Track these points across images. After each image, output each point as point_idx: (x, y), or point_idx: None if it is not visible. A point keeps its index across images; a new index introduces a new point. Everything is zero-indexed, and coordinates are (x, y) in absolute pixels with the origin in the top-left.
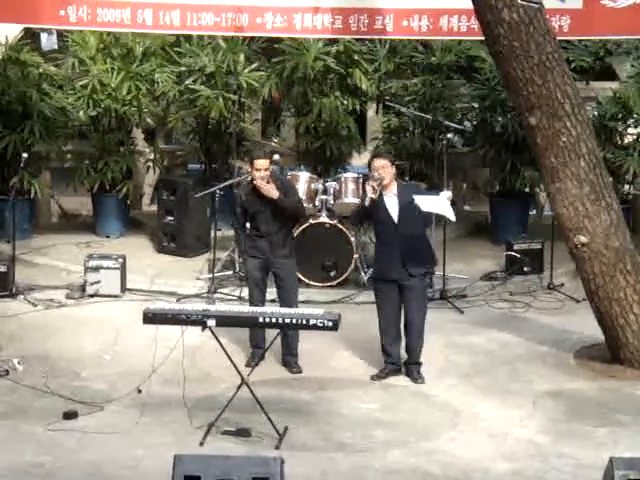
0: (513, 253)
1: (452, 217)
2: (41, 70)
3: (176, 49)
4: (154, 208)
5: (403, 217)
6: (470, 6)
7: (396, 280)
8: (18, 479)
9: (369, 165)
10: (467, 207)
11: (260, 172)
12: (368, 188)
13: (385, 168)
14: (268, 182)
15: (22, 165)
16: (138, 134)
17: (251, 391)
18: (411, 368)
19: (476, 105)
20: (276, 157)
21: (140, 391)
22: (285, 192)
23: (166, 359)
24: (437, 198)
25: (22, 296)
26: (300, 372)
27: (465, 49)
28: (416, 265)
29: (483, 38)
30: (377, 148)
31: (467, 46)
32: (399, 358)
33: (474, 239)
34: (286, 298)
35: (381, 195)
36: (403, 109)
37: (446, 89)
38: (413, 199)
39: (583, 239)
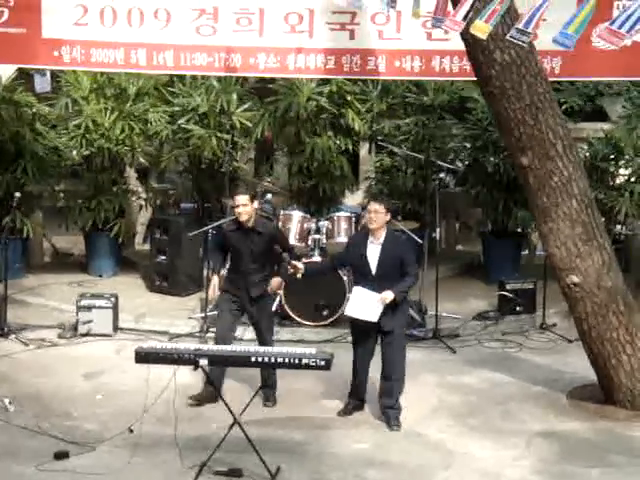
0: (506, 293)
1: (374, 319)
2: (34, 110)
3: (169, 89)
4: (147, 247)
5: (382, 269)
6: (462, 47)
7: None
8: None
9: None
10: (459, 247)
11: (239, 208)
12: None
13: (378, 214)
14: (249, 219)
15: (15, 204)
16: (131, 173)
17: (243, 431)
18: (388, 412)
19: (468, 145)
20: (269, 196)
21: (132, 431)
22: (277, 240)
23: (158, 399)
24: (371, 300)
25: (14, 335)
26: (273, 405)
27: (457, 89)
28: (391, 320)
29: (475, 79)
30: (370, 187)
31: (459, 86)
32: (365, 393)
33: (467, 278)
34: (261, 337)
35: (365, 240)
36: (395, 149)
37: (438, 129)
38: (397, 251)
39: (575, 279)
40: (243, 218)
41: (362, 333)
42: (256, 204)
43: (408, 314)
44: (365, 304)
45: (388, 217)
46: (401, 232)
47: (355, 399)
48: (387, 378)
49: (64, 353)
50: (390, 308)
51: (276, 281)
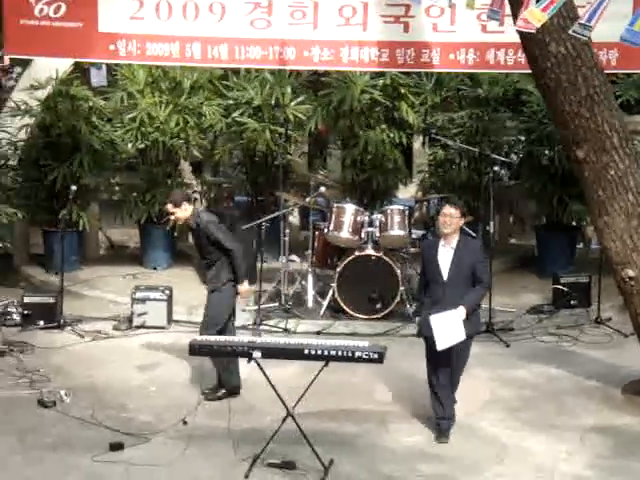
0: (560, 286)
1: (463, 337)
2: (90, 103)
3: (224, 82)
4: None
5: (453, 274)
6: (517, 40)
7: None
8: None
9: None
10: (513, 240)
11: (170, 217)
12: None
13: (452, 218)
14: (185, 221)
15: (71, 197)
16: (185, 166)
17: (296, 423)
18: (440, 423)
19: (523, 138)
20: (322, 190)
21: (186, 423)
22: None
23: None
24: (452, 320)
25: (70, 328)
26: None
27: (512, 82)
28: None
29: (530, 71)
30: (423, 180)
31: (514, 79)
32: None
33: (520, 272)
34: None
35: (437, 244)
36: (449, 142)
37: (493, 122)
38: (469, 258)
39: (631, 273)
40: (179, 223)
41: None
42: (186, 205)
43: (480, 321)
44: (447, 328)
45: (462, 221)
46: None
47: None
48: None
49: (119, 345)
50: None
51: (243, 291)
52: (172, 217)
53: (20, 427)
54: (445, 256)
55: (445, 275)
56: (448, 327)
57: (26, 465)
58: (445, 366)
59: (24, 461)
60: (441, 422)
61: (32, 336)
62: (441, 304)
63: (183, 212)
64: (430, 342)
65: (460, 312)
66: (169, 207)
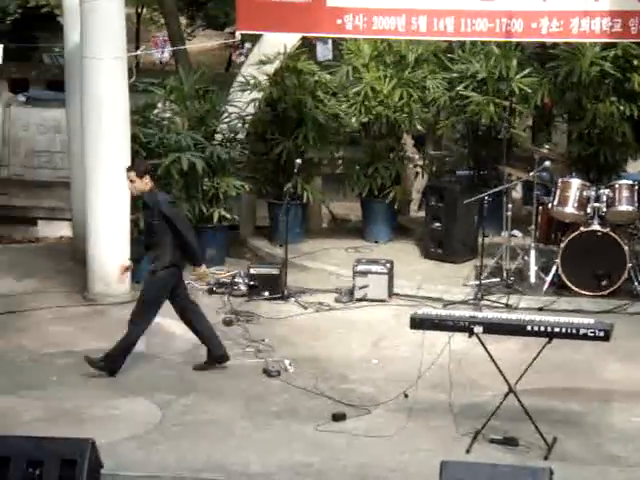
0: None
1: None
2: (316, 78)
3: (449, 55)
4: (422, 214)
5: None
6: None
7: None
8: (288, 478)
9: None
10: None
11: (128, 184)
12: None
13: None
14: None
15: (296, 171)
16: (408, 140)
17: (519, 400)
18: None
19: None
20: (547, 164)
21: (407, 396)
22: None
23: (432, 365)
24: None
25: (293, 299)
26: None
27: None
28: None
29: None
30: None
31: None
32: None
33: None
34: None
35: None
36: None
37: None
38: None
39: None
40: (133, 194)
41: None
42: (147, 179)
43: None
44: None
45: None
46: None
47: None
48: None
49: (341, 317)
50: None
51: (200, 272)
52: (129, 186)
53: (247, 394)
54: None
55: None
56: None
57: (253, 431)
58: None
59: (251, 427)
60: None
61: (257, 306)
62: None
63: (143, 184)
64: None
65: None
66: (131, 175)
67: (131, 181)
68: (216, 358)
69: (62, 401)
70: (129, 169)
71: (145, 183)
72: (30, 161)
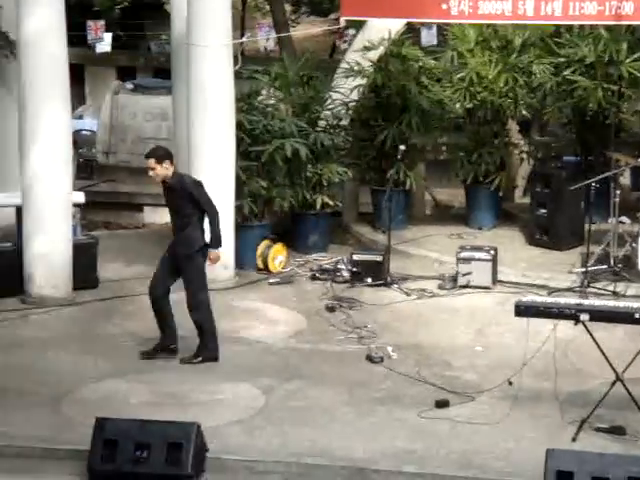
0: None
1: None
2: (420, 64)
3: (555, 40)
4: (527, 200)
5: None
6: None
7: None
8: (391, 463)
9: None
10: None
11: (149, 172)
12: None
13: None
14: (162, 178)
15: (399, 157)
16: (513, 126)
17: (626, 388)
18: None
19: None
20: None
21: (511, 383)
22: (194, 197)
23: (537, 352)
24: None
25: (396, 285)
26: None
27: None
28: None
29: None
30: None
31: None
32: None
33: None
34: (186, 294)
35: None
36: None
37: None
38: None
39: None
40: (156, 180)
41: None
42: (167, 163)
43: None
44: None
45: None
46: None
47: None
48: None
49: (444, 304)
50: None
51: (213, 254)
52: (150, 173)
53: (350, 380)
54: None
55: None
56: None
57: (356, 417)
58: None
59: (354, 413)
60: None
61: (360, 293)
62: None
63: (164, 170)
64: None
65: None
66: (151, 162)
67: (152, 168)
68: (169, 345)
69: (168, 385)
70: (147, 156)
71: (166, 168)
72: (137, 148)
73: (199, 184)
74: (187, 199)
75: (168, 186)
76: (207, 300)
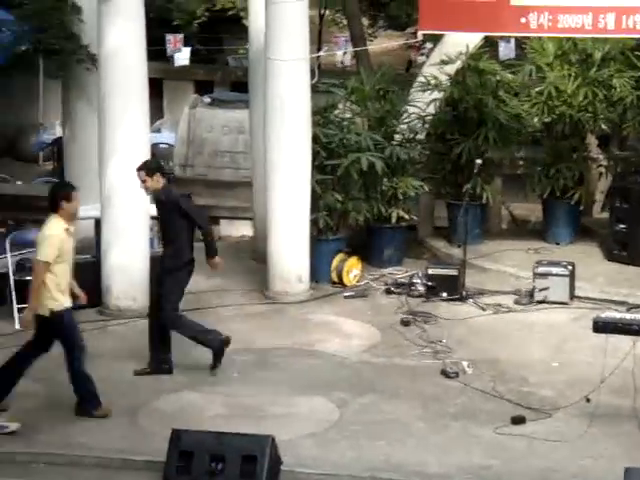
0: None
1: None
2: (498, 77)
3: (636, 53)
4: (605, 215)
5: None
6: None
7: None
8: (467, 479)
9: None
10: None
11: (140, 184)
12: None
13: None
14: (152, 191)
15: (476, 171)
16: (592, 140)
17: None
18: None
19: None
20: None
21: (589, 400)
22: (183, 211)
23: (616, 369)
24: None
25: (472, 300)
26: None
27: None
28: None
29: None
30: None
31: None
32: None
33: None
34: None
35: None
36: None
37: None
38: None
39: None
40: (147, 193)
41: None
42: (158, 176)
43: None
44: None
45: None
46: None
47: None
48: None
49: (520, 319)
50: None
51: (212, 263)
52: (141, 185)
53: (424, 395)
54: None
55: None
56: None
57: (430, 432)
58: None
59: (428, 428)
60: None
61: (435, 307)
62: None
63: (155, 182)
64: None
65: None
66: (142, 174)
67: (143, 181)
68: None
69: (242, 397)
70: (139, 169)
71: (157, 181)
72: (213, 161)
73: (187, 197)
74: (176, 212)
75: (157, 199)
76: (175, 316)
